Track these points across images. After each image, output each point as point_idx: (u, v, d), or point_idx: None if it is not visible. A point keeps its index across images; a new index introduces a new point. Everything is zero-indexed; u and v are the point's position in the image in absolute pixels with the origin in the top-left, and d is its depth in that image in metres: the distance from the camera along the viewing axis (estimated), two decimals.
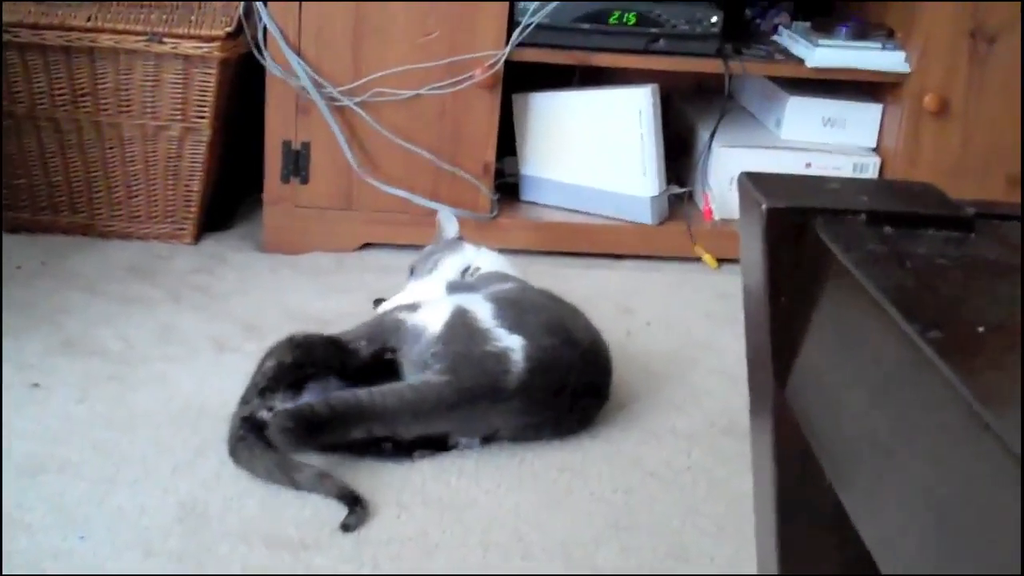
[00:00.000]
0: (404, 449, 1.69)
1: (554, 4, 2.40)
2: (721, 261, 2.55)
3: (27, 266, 2.28)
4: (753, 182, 0.74)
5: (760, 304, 0.74)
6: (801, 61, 2.55)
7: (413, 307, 1.83)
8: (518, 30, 2.39)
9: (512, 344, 1.70)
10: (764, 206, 0.71)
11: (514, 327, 1.72)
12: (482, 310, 1.75)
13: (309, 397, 1.68)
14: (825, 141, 2.63)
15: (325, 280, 2.34)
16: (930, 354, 0.56)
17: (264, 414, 1.65)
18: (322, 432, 1.62)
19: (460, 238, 2.14)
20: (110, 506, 1.54)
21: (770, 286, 0.72)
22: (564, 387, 1.75)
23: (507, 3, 2.38)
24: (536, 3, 2.40)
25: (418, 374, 1.70)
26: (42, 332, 2.00)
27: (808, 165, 2.58)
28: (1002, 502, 0.50)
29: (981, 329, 0.60)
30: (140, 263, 2.36)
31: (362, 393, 1.65)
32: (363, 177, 2.43)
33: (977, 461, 0.52)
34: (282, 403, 1.67)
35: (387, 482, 1.63)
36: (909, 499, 0.58)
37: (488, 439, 1.74)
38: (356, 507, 1.55)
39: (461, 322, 1.74)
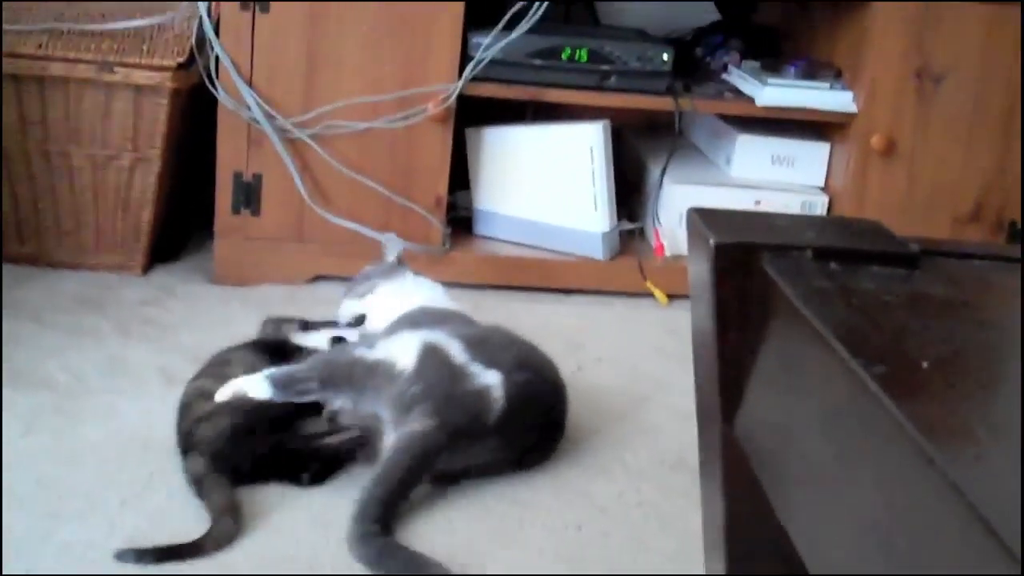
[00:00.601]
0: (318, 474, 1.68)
1: (507, 40, 2.41)
2: (671, 297, 2.57)
3: None
4: (702, 218, 0.75)
5: (708, 339, 0.75)
6: (751, 99, 2.57)
7: (368, 343, 1.80)
8: (471, 64, 2.41)
9: (491, 380, 1.70)
10: (712, 241, 0.72)
11: (489, 363, 1.71)
12: (453, 346, 1.73)
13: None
14: (774, 179, 2.66)
15: (276, 313, 2.33)
16: (875, 389, 0.57)
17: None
18: None
19: (402, 264, 2.14)
20: (55, 542, 1.52)
21: (718, 321, 0.73)
22: (535, 422, 1.76)
23: (460, 38, 2.39)
24: (489, 38, 2.41)
25: (395, 415, 1.68)
26: None
27: (757, 202, 2.61)
28: (945, 533, 0.50)
29: (925, 364, 0.61)
30: (89, 294, 2.33)
31: (385, 475, 1.62)
32: (315, 209, 2.43)
33: (921, 494, 0.53)
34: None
35: (325, 515, 1.62)
36: (856, 531, 0.59)
37: (452, 478, 1.73)
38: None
39: (436, 359, 1.70)
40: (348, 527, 1.55)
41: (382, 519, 1.56)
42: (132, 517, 1.58)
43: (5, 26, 2.30)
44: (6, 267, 2.39)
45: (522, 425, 1.72)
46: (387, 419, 1.69)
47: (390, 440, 1.66)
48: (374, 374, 1.70)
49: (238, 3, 2.33)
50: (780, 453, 0.70)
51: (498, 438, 1.70)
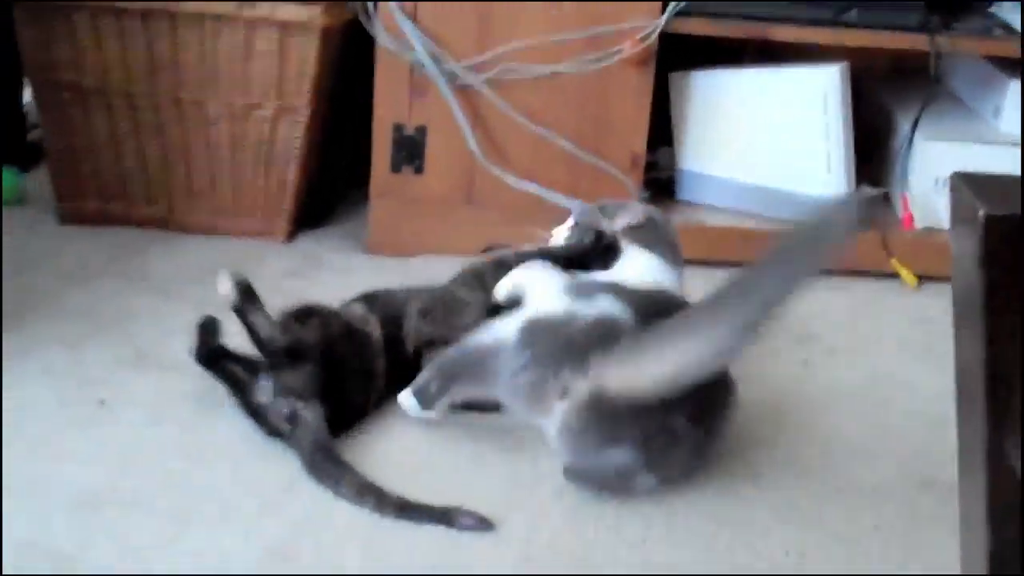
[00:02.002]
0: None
1: None
2: (922, 279, 2.52)
3: (92, 264, 2.35)
4: (968, 184, 0.74)
5: (974, 330, 0.74)
6: None
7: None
8: None
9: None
10: (982, 213, 0.71)
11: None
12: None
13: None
14: None
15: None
16: None
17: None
18: None
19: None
20: (184, 548, 1.58)
21: (987, 309, 0.72)
22: None
23: None
24: None
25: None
26: (109, 341, 2.07)
27: None
28: None
29: None
30: (225, 263, 2.39)
31: None
32: (488, 168, 2.46)
33: None
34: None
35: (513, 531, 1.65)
36: None
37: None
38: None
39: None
40: None
41: None
42: (272, 525, 1.64)
43: None
44: (130, 231, 2.49)
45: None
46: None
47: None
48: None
49: None
50: None
51: None
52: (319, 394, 1.80)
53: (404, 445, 1.85)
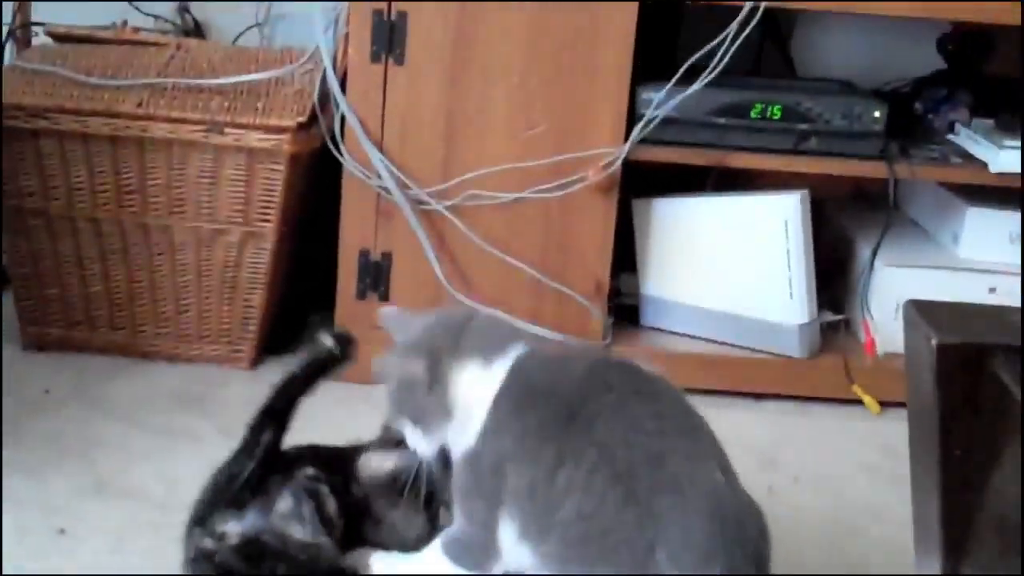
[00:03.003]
0: None
1: (684, 94, 2.43)
2: (885, 404, 2.53)
3: (56, 391, 2.34)
4: (921, 312, 0.75)
5: (929, 458, 0.74)
6: (983, 165, 2.54)
7: None
8: (640, 124, 2.43)
9: None
10: (934, 341, 0.72)
11: None
12: None
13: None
14: (1012, 261, 2.61)
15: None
16: None
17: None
18: None
19: None
20: None
21: (941, 436, 0.72)
22: None
23: (627, 92, 2.42)
24: (662, 93, 2.44)
25: None
26: (72, 469, 2.05)
27: (992, 290, 2.56)
28: None
29: None
30: (188, 390, 2.40)
31: None
32: (454, 294, 2.47)
33: None
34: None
35: None
36: None
37: None
38: None
39: None
40: None
41: None
42: None
43: (102, 81, 2.41)
44: (95, 358, 2.48)
45: None
46: None
47: None
48: None
49: (368, 54, 2.40)
50: None
51: None
52: None
53: None
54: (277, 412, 1.77)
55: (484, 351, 1.64)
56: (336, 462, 1.84)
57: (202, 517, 1.74)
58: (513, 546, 1.57)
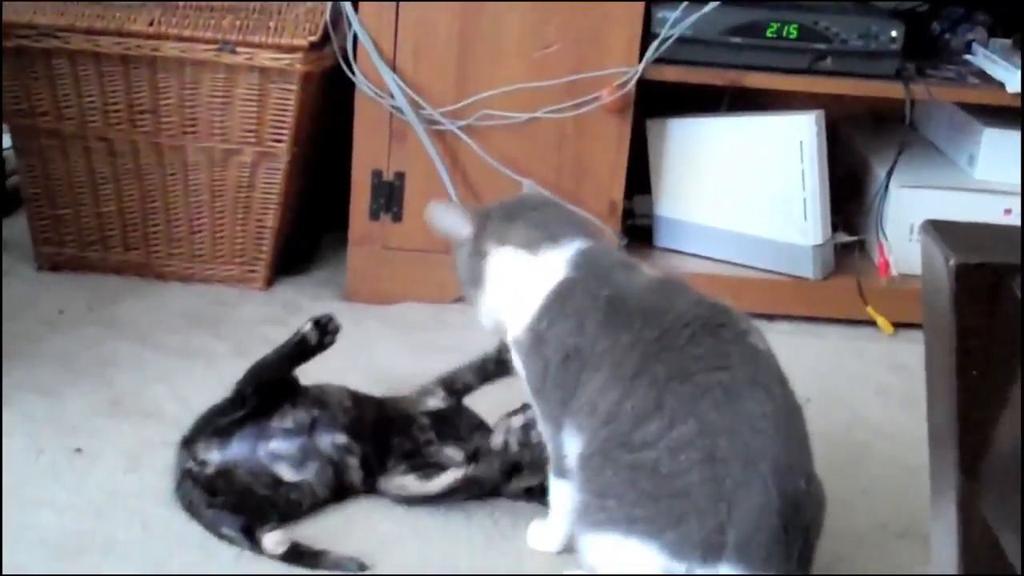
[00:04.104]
0: None
1: (699, 13, 2.42)
2: (898, 325, 2.53)
3: (71, 311, 2.35)
4: (939, 232, 0.75)
5: (945, 378, 0.74)
6: (1000, 85, 2.53)
7: None
8: (655, 44, 2.42)
9: None
10: (952, 262, 0.72)
11: None
12: None
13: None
14: None
15: (419, 337, 2.37)
16: None
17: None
18: None
19: None
20: None
21: (959, 356, 0.72)
22: None
23: (642, 11, 2.41)
24: (677, 12, 2.42)
25: None
26: (87, 389, 2.07)
27: (1007, 212, 2.55)
28: None
29: None
30: (202, 310, 2.41)
31: None
32: None
33: None
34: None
35: None
36: None
37: None
38: None
39: None
40: None
41: None
42: (250, 572, 1.64)
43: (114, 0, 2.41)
44: (109, 278, 2.49)
45: None
46: None
47: None
48: None
49: None
50: None
51: None
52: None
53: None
54: (246, 399, 1.79)
55: (533, 237, 1.64)
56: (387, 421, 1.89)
57: (189, 441, 1.78)
58: (571, 463, 1.57)
